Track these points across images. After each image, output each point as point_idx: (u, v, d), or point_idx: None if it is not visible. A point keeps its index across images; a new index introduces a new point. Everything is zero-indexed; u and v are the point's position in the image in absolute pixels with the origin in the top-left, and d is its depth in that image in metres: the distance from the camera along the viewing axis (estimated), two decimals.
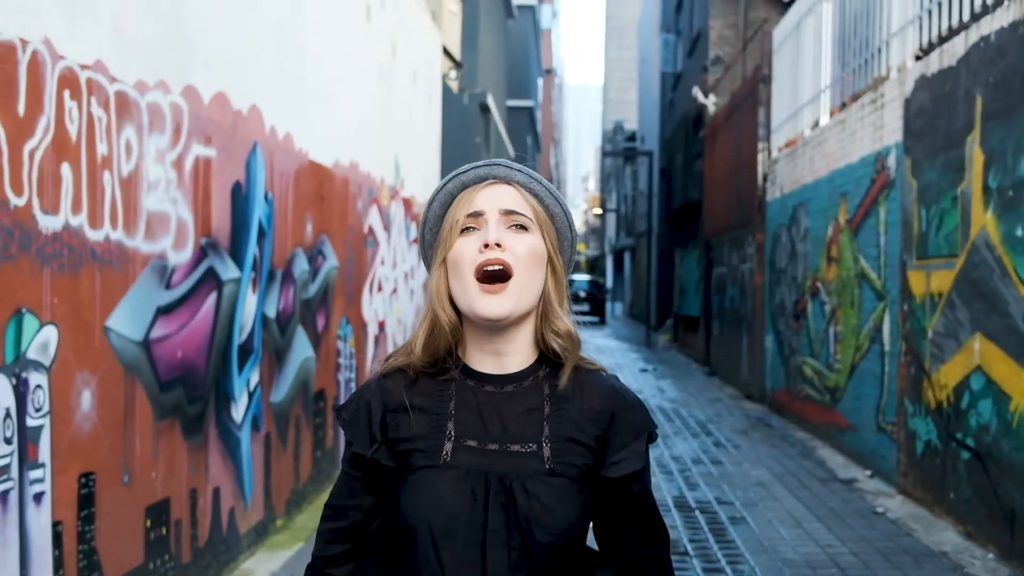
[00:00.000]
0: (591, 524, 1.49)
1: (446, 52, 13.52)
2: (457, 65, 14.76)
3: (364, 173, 7.72)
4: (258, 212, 5.26)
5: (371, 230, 8.14)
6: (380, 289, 8.62)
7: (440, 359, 1.44)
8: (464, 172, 1.48)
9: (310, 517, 6.06)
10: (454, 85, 14.84)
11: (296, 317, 6.04)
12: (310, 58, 6.15)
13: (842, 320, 8.84)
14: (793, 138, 11.17)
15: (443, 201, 1.49)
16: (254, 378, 5.26)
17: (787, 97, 11.70)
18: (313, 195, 6.31)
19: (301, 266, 6.11)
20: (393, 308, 9.25)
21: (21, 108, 2.99)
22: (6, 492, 2.97)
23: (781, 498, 6.92)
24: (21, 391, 3.03)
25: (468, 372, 1.45)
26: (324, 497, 6.58)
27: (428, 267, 1.51)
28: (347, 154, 7.16)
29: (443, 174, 12.49)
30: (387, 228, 8.80)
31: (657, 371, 16.51)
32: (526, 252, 1.41)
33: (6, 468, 2.96)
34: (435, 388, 1.44)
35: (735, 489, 7.19)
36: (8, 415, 2.96)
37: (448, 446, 1.40)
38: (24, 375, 3.05)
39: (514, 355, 1.45)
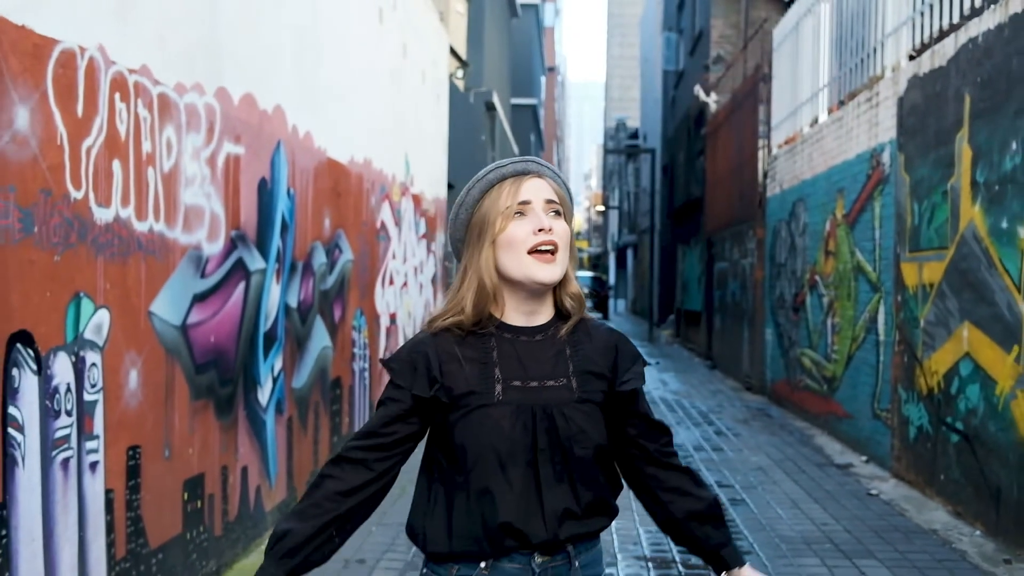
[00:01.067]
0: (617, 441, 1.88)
1: (453, 52, 13.79)
2: (463, 64, 15.04)
3: (377, 170, 8.01)
4: (281, 207, 5.54)
5: (383, 225, 8.43)
6: (391, 282, 8.91)
7: (483, 319, 1.78)
8: (504, 166, 1.80)
9: None
10: (460, 84, 15.12)
11: (315, 307, 6.33)
12: (328, 60, 6.44)
13: (839, 312, 9.12)
14: (792, 135, 11.44)
15: (483, 188, 1.80)
16: (278, 364, 5.55)
17: (787, 95, 11.97)
18: (330, 191, 6.60)
19: (320, 259, 6.40)
20: (403, 302, 9.54)
21: (80, 109, 3.28)
22: (67, 460, 3.25)
23: (779, 481, 7.20)
24: (79, 368, 3.32)
25: (504, 327, 1.79)
26: None
27: (461, 241, 1.83)
28: (361, 152, 7.44)
29: (451, 171, 12.77)
30: (398, 224, 9.09)
31: (660, 365, 16.79)
32: (564, 233, 1.77)
33: (67, 438, 3.25)
34: (479, 343, 1.77)
35: (735, 473, 7.47)
36: (68, 389, 3.25)
37: (499, 388, 1.74)
38: (82, 354, 3.33)
39: (541, 313, 1.82)
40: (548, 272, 1.74)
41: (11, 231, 2.90)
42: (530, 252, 1.73)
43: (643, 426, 1.89)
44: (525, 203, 1.76)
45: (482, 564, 1.76)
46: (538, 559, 1.77)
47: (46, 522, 3.13)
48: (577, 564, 1.81)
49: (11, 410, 2.92)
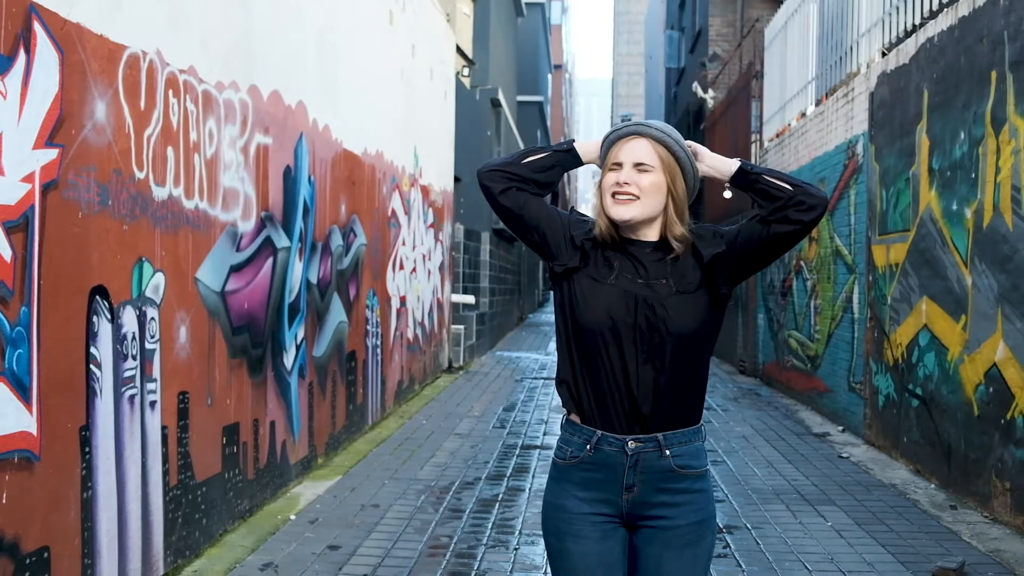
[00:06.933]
0: (763, 248, 2.24)
1: (459, 51, 14.40)
2: (469, 63, 15.65)
3: (388, 162, 8.64)
4: (303, 192, 6.18)
5: (394, 213, 9.06)
6: (401, 267, 9.54)
7: (611, 237, 2.28)
8: (620, 129, 2.32)
9: (346, 458, 6.98)
10: (467, 82, 15.74)
11: (333, 285, 6.96)
12: (344, 60, 7.07)
13: (820, 294, 9.72)
14: (782, 129, 12.03)
15: (606, 146, 2.31)
16: (300, 333, 6.19)
17: (777, 91, 12.55)
18: (346, 180, 7.23)
19: (336, 241, 7.04)
20: (412, 286, 10.17)
21: (142, 103, 3.91)
22: (133, 396, 3.89)
23: (759, 447, 7.81)
24: (142, 321, 3.96)
25: (625, 241, 2.27)
26: (357, 445, 7.52)
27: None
28: (374, 144, 8.08)
29: (457, 165, 13.40)
30: (407, 212, 9.72)
31: None
32: (648, 185, 2.20)
33: (133, 378, 3.89)
34: (609, 246, 2.27)
35: (719, 441, 8.08)
36: (134, 338, 3.89)
37: (613, 275, 2.23)
38: (144, 309, 3.97)
39: (651, 235, 2.27)
40: (618, 211, 2.22)
41: (92, 203, 3.53)
42: (612, 195, 2.23)
43: (747, 229, 2.24)
44: (618, 163, 2.24)
45: (587, 447, 2.19)
46: (631, 444, 2.17)
47: (117, 446, 3.77)
48: (668, 454, 2.18)
49: (92, 350, 3.56)
